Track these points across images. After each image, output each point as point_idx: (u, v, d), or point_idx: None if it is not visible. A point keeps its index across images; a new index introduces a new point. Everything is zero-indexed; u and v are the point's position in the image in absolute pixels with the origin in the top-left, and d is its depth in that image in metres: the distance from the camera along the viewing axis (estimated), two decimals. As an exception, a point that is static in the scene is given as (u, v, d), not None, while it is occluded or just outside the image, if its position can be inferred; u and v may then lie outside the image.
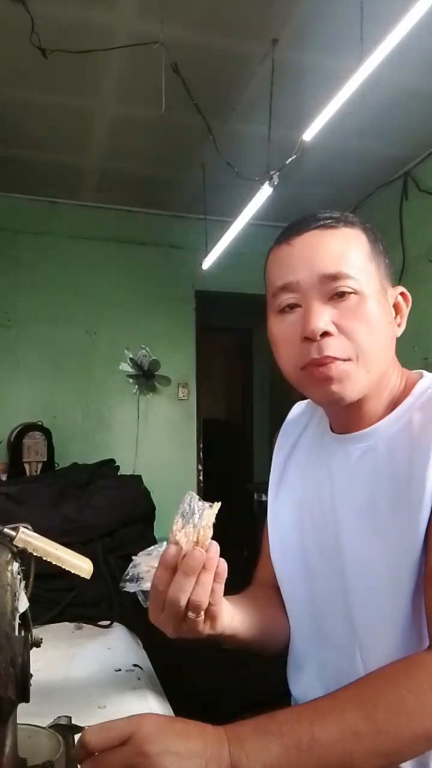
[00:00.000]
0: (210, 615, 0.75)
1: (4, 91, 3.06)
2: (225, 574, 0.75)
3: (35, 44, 2.60)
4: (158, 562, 0.75)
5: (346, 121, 2.89)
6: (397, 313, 0.83)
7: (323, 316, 0.76)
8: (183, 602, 0.72)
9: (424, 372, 0.86)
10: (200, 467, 4.65)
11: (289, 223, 0.84)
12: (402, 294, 0.84)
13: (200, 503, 0.75)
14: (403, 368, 0.86)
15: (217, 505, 0.76)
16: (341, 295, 0.77)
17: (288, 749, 0.59)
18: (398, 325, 0.83)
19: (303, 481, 0.92)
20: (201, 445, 4.68)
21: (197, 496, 0.76)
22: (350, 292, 0.76)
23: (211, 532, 0.74)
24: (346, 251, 0.78)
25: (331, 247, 0.78)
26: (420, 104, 3.16)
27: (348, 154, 3.63)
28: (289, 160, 2.76)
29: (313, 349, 0.76)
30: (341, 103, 2.37)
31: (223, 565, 0.74)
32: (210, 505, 0.75)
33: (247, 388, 5.82)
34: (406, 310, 0.84)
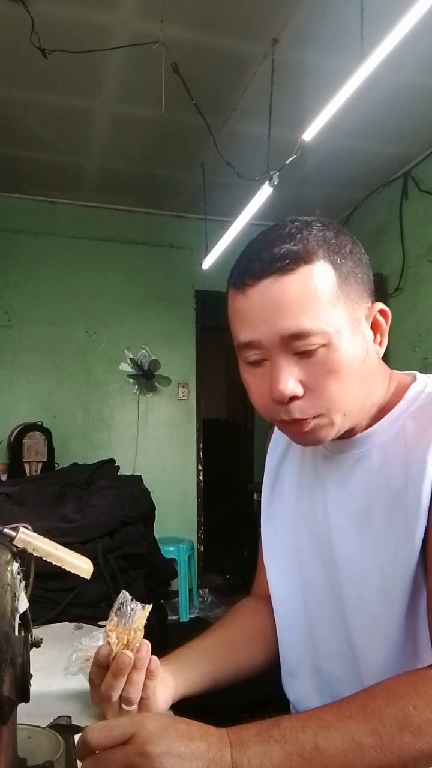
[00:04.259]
0: (144, 705, 0.79)
1: (4, 91, 3.07)
2: (158, 671, 0.78)
3: (35, 44, 2.60)
4: (93, 659, 0.79)
5: (346, 121, 2.90)
6: (376, 332, 0.78)
7: (290, 381, 0.72)
8: (115, 698, 0.77)
9: (417, 374, 0.84)
10: (200, 467, 4.65)
11: (245, 251, 0.76)
12: (381, 311, 0.78)
13: (133, 604, 0.79)
14: (392, 370, 0.84)
15: (148, 608, 0.80)
16: (307, 351, 0.72)
17: (290, 756, 0.59)
18: (379, 344, 0.78)
19: (297, 487, 0.91)
20: (201, 445, 4.68)
21: (130, 597, 0.80)
22: (316, 348, 0.71)
23: (141, 634, 0.78)
24: (307, 302, 0.71)
25: (290, 300, 0.70)
26: (420, 104, 3.16)
27: (348, 154, 3.63)
28: (289, 160, 2.75)
29: (281, 412, 0.74)
30: (341, 103, 2.37)
31: (155, 662, 0.78)
32: (142, 607, 0.79)
33: (247, 388, 5.81)
34: (386, 327, 0.79)
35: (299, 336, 0.71)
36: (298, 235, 0.73)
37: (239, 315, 0.75)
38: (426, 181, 3.75)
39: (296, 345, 0.72)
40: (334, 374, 0.72)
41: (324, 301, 0.71)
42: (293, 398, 0.73)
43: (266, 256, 0.72)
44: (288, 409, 0.73)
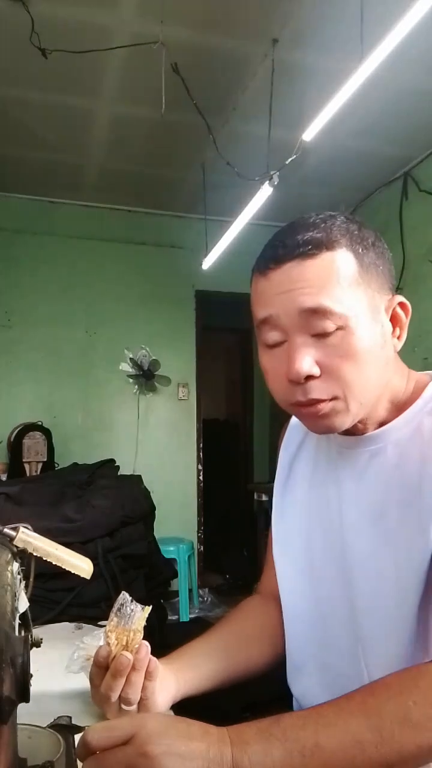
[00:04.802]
0: (144, 706, 0.79)
1: (4, 91, 3.07)
2: (157, 672, 0.79)
3: (35, 44, 2.60)
4: (93, 659, 0.80)
5: (346, 121, 2.90)
6: (395, 325, 0.79)
7: (306, 359, 0.72)
8: (114, 698, 0.77)
9: None
10: (200, 467, 4.65)
11: (269, 241, 0.78)
12: (401, 304, 0.79)
13: (133, 606, 0.80)
14: (411, 370, 0.84)
15: (148, 609, 0.80)
16: (324, 333, 0.73)
17: (291, 754, 0.59)
18: (398, 338, 0.79)
19: (310, 481, 0.91)
20: (201, 445, 4.68)
21: (130, 598, 0.80)
22: (334, 329, 0.72)
23: (141, 635, 0.78)
24: (328, 282, 0.72)
25: (311, 279, 0.72)
26: (420, 104, 3.17)
27: (348, 154, 3.64)
28: (289, 160, 2.76)
29: (298, 392, 0.74)
30: (341, 103, 2.37)
31: (154, 663, 0.78)
32: (142, 608, 0.80)
33: (247, 388, 5.81)
34: (405, 320, 0.79)
35: (317, 312, 0.72)
36: (322, 225, 0.75)
37: (260, 295, 0.77)
38: (426, 181, 3.76)
39: (314, 324, 0.72)
40: (351, 358, 0.73)
41: (344, 285, 0.73)
42: (309, 378, 0.73)
43: (290, 242, 0.74)
44: (304, 389, 0.74)
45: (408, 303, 0.80)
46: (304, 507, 0.91)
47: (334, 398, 0.74)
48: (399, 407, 0.81)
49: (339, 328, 0.72)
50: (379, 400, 0.79)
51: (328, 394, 0.74)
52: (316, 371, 0.73)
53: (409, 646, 0.74)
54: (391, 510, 0.77)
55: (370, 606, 0.79)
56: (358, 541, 0.81)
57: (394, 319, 0.79)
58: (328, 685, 0.84)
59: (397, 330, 0.79)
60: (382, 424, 0.81)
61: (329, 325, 0.72)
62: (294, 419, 0.98)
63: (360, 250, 0.75)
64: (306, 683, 0.89)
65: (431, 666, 0.65)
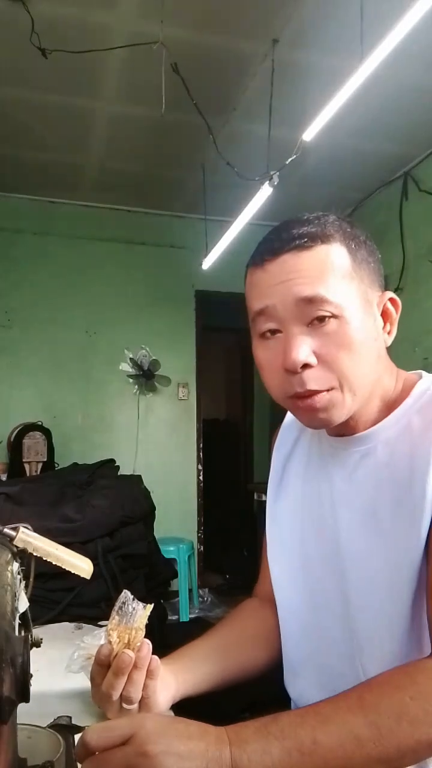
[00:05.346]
0: (145, 705, 0.79)
1: (4, 91, 3.07)
2: (158, 670, 0.79)
3: (35, 44, 2.60)
4: (94, 657, 0.80)
5: (346, 121, 2.89)
6: (386, 321, 0.80)
7: (303, 347, 0.74)
8: (115, 697, 0.77)
9: (423, 372, 0.85)
10: (200, 467, 4.65)
11: (265, 237, 0.80)
12: (391, 300, 0.81)
13: (135, 604, 0.80)
14: (399, 369, 0.85)
15: (149, 607, 0.80)
16: (321, 320, 0.74)
17: (290, 752, 0.59)
18: (388, 333, 0.81)
19: (302, 482, 0.92)
20: (201, 445, 4.68)
21: (132, 597, 0.80)
22: (329, 317, 0.74)
23: (142, 633, 0.78)
24: (323, 273, 0.74)
25: (307, 269, 0.74)
26: (420, 104, 3.17)
27: (348, 154, 3.64)
28: (289, 160, 2.76)
29: (295, 383, 0.75)
30: (341, 103, 2.37)
31: (156, 662, 0.79)
32: (144, 607, 0.80)
33: (247, 388, 5.81)
34: (396, 316, 0.81)
35: (314, 301, 0.73)
36: (316, 221, 0.78)
37: (255, 286, 0.78)
38: (426, 181, 3.75)
39: (310, 312, 0.74)
40: (346, 348, 0.74)
41: (339, 277, 0.75)
42: (306, 367, 0.74)
43: (285, 236, 0.76)
44: (301, 380, 0.74)
45: (398, 299, 0.82)
46: (298, 505, 0.91)
47: (331, 389, 0.75)
48: (389, 406, 0.82)
49: (334, 318, 0.74)
50: (370, 397, 0.80)
51: (325, 384, 0.75)
52: (312, 360, 0.74)
53: (404, 644, 0.75)
54: (384, 508, 0.77)
55: (364, 604, 0.79)
56: (351, 540, 0.81)
57: (384, 315, 0.80)
58: (325, 686, 0.85)
59: (388, 325, 0.81)
60: (372, 424, 0.81)
61: (325, 313, 0.73)
62: (287, 420, 0.99)
63: (353, 245, 0.78)
64: (302, 684, 0.90)
65: (427, 662, 0.66)
